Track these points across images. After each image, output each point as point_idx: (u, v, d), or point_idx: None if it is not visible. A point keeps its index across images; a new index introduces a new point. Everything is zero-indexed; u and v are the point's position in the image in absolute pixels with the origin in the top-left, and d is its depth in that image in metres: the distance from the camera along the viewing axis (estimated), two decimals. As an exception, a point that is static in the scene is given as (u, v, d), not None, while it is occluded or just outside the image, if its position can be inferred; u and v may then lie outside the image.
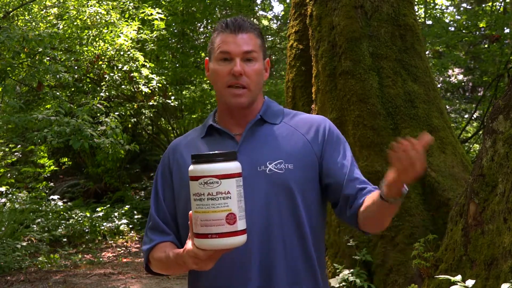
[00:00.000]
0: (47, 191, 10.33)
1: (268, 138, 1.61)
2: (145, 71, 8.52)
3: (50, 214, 8.78)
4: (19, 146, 10.22)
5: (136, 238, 8.93)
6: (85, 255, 7.69)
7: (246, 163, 1.53)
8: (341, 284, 4.04)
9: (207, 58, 1.67)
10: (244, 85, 1.57)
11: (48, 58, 7.70)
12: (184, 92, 10.47)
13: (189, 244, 1.40)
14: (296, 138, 1.61)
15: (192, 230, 1.39)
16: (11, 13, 8.10)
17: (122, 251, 8.01)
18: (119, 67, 8.44)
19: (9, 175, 10.24)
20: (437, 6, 12.74)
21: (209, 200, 1.34)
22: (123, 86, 8.64)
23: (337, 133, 1.66)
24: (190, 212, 1.39)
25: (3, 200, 8.79)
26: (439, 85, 11.06)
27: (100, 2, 8.52)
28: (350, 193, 1.56)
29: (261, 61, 1.61)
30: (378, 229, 1.59)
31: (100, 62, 8.53)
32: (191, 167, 1.39)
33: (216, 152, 1.38)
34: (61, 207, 9.36)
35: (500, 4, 10.87)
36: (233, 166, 1.37)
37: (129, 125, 10.37)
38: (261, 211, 1.53)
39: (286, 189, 1.55)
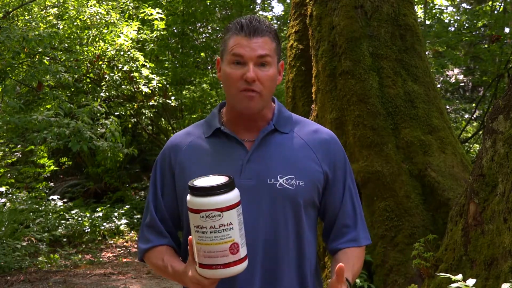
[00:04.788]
0: (47, 191, 10.32)
1: (280, 149, 1.57)
2: (145, 71, 8.52)
3: (50, 214, 8.76)
4: (19, 146, 10.21)
5: (136, 238, 8.91)
6: (85, 255, 7.68)
7: (256, 173, 1.52)
8: (341, 284, 4.03)
9: (218, 57, 1.61)
10: (257, 91, 1.52)
11: (48, 58, 7.70)
12: (184, 92, 10.47)
13: (190, 271, 1.39)
14: (307, 154, 1.58)
15: (193, 256, 1.38)
16: (11, 13, 8.10)
17: (122, 251, 8.01)
18: (119, 67, 8.44)
19: (9, 175, 10.22)
20: (436, 6, 12.73)
21: (212, 233, 1.32)
22: (123, 86, 8.63)
23: (344, 157, 1.66)
24: (190, 237, 1.38)
25: (3, 200, 8.77)
26: (439, 85, 11.06)
27: (100, 2, 8.52)
28: (335, 229, 1.65)
29: (275, 65, 1.56)
30: None
31: (100, 62, 8.53)
32: (190, 198, 1.35)
33: (216, 184, 1.33)
34: (61, 207, 9.35)
35: (500, 4, 10.86)
36: (234, 196, 1.34)
37: (129, 125, 10.37)
38: (267, 223, 1.52)
39: (295, 205, 1.54)
